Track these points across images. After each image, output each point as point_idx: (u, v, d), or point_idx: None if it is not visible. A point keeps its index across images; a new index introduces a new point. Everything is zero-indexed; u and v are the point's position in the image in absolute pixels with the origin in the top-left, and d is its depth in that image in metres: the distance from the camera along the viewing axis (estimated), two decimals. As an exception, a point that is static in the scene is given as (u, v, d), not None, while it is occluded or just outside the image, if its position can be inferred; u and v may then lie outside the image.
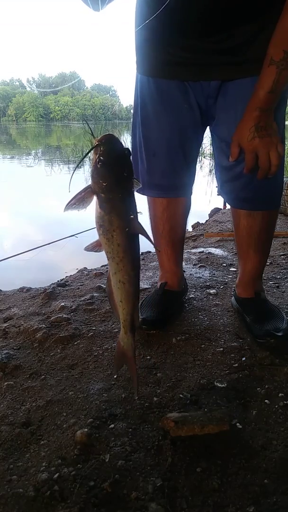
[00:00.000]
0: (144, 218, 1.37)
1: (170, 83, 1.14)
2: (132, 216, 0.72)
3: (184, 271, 1.68)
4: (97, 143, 0.69)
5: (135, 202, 0.74)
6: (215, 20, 1.00)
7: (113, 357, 1.14)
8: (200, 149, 1.35)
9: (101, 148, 0.69)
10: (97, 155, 0.69)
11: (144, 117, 1.21)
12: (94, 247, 0.76)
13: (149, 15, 1.10)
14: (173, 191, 1.28)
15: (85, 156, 0.77)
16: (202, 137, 1.27)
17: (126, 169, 0.71)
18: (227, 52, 1.05)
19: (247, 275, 1.33)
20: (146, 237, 0.74)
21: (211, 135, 1.24)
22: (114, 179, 0.70)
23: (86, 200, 0.72)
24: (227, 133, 1.12)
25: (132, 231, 0.73)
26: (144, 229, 0.74)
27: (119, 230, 0.72)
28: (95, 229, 0.75)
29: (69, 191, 0.76)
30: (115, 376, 1.06)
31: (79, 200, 0.72)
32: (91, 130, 0.77)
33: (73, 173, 0.83)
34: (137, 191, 1.30)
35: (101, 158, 0.69)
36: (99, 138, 0.70)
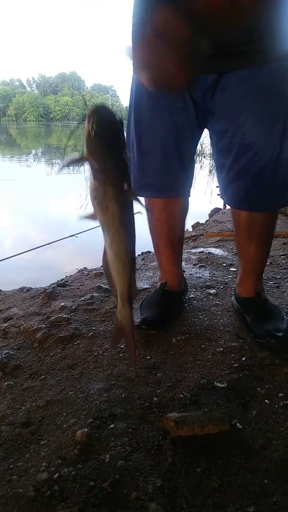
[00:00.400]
0: (143, 219, 1.37)
1: None
2: (126, 186, 0.73)
3: (184, 271, 1.68)
4: (89, 113, 0.69)
5: (128, 172, 0.74)
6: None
7: (112, 358, 1.15)
8: (200, 149, 1.33)
9: (94, 118, 0.69)
10: (90, 125, 0.69)
11: (138, 117, 1.20)
12: (89, 218, 0.76)
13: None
14: (168, 191, 1.26)
15: (78, 126, 0.77)
16: (199, 137, 1.25)
17: (119, 139, 0.72)
18: (222, 44, 1.01)
19: (248, 274, 1.33)
20: (140, 204, 0.75)
21: (210, 134, 1.22)
22: (107, 149, 0.70)
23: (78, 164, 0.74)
24: (227, 127, 1.11)
25: (127, 200, 0.73)
26: (137, 197, 0.75)
27: (113, 200, 0.72)
28: (90, 203, 0.75)
29: (63, 164, 0.78)
30: (114, 372, 1.07)
31: (70, 164, 0.74)
32: (85, 101, 0.77)
33: (69, 137, 0.82)
34: None
35: (94, 127, 0.69)
36: (91, 108, 0.70)
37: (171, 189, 1.26)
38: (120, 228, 0.74)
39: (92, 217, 0.75)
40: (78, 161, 0.73)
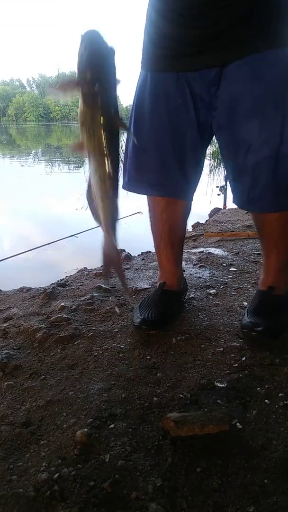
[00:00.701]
0: (142, 220, 1.37)
1: (166, 77, 1.12)
2: (113, 111, 0.74)
3: (184, 271, 1.68)
4: (82, 35, 0.71)
5: (116, 99, 0.77)
6: (207, 3, 0.98)
7: (112, 358, 1.15)
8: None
9: (86, 40, 0.70)
10: (83, 47, 0.70)
11: (138, 113, 1.19)
12: (76, 147, 0.79)
13: (154, 16, 1.09)
14: (163, 190, 1.24)
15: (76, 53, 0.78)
16: (202, 140, 1.20)
17: (110, 64, 0.73)
18: (221, 35, 1.01)
19: (264, 268, 1.33)
20: (127, 131, 0.78)
21: (218, 131, 1.16)
22: (97, 71, 0.72)
23: (69, 91, 0.76)
24: (226, 121, 1.09)
25: (113, 126, 0.75)
26: (124, 123, 0.77)
27: (100, 125, 0.74)
28: (86, 159, 0.78)
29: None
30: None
31: (62, 88, 0.75)
32: (81, 30, 0.78)
33: None
34: (123, 187, 1.31)
35: (86, 49, 0.70)
36: (84, 32, 0.72)
37: (167, 188, 1.24)
38: (105, 153, 0.76)
39: (79, 146, 0.78)
40: (69, 85, 0.74)
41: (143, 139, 1.19)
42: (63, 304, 1.48)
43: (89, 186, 0.80)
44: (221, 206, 3.36)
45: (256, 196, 1.13)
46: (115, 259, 0.83)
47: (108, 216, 0.80)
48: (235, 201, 1.23)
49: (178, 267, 1.43)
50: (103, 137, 0.74)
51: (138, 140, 1.20)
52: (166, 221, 1.32)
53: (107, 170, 0.77)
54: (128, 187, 1.26)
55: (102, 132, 0.74)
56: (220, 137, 1.16)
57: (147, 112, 1.17)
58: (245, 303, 1.44)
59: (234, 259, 1.95)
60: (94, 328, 1.32)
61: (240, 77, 1.04)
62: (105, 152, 0.75)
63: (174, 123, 1.15)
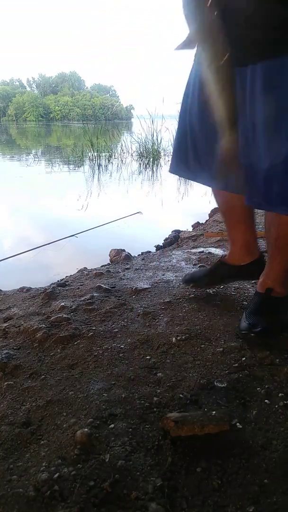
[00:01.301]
0: (141, 220, 1.36)
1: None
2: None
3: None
4: None
5: None
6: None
7: (112, 358, 1.15)
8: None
9: None
10: None
11: (184, 95, 1.25)
12: (186, 44, 0.94)
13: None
14: (194, 174, 1.28)
15: None
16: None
17: None
18: (245, 35, 0.99)
19: (267, 272, 1.32)
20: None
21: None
22: None
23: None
24: (240, 118, 1.06)
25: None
26: None
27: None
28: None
29: None
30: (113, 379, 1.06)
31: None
32: None
33: None
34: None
35: None
36: None
37: (200, 173, 1.27)
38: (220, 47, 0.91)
39: (190, 41, 0.93)
40: None
41: (182, 123, 1.25)
42: (63, 304, 1.48)
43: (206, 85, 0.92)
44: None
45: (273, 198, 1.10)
46: (232, 157, 0.94)
47: (225, 110, 0.91)
48: (249, 201, 1.19)
49: (235, 244, 1.47)
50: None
51: (179, 124, 1.28)
52: (223, 202, 1.40)
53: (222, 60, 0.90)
54: (170, 167, 1.30)
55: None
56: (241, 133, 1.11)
57: (189, 97, 1.21)
58: (245, 303, 1.44)
59: (234, 259, 1.95)
60: (94, 328, 1.32)
61: (257, 81, 1.01)
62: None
63: (206, 110, 1.11)
